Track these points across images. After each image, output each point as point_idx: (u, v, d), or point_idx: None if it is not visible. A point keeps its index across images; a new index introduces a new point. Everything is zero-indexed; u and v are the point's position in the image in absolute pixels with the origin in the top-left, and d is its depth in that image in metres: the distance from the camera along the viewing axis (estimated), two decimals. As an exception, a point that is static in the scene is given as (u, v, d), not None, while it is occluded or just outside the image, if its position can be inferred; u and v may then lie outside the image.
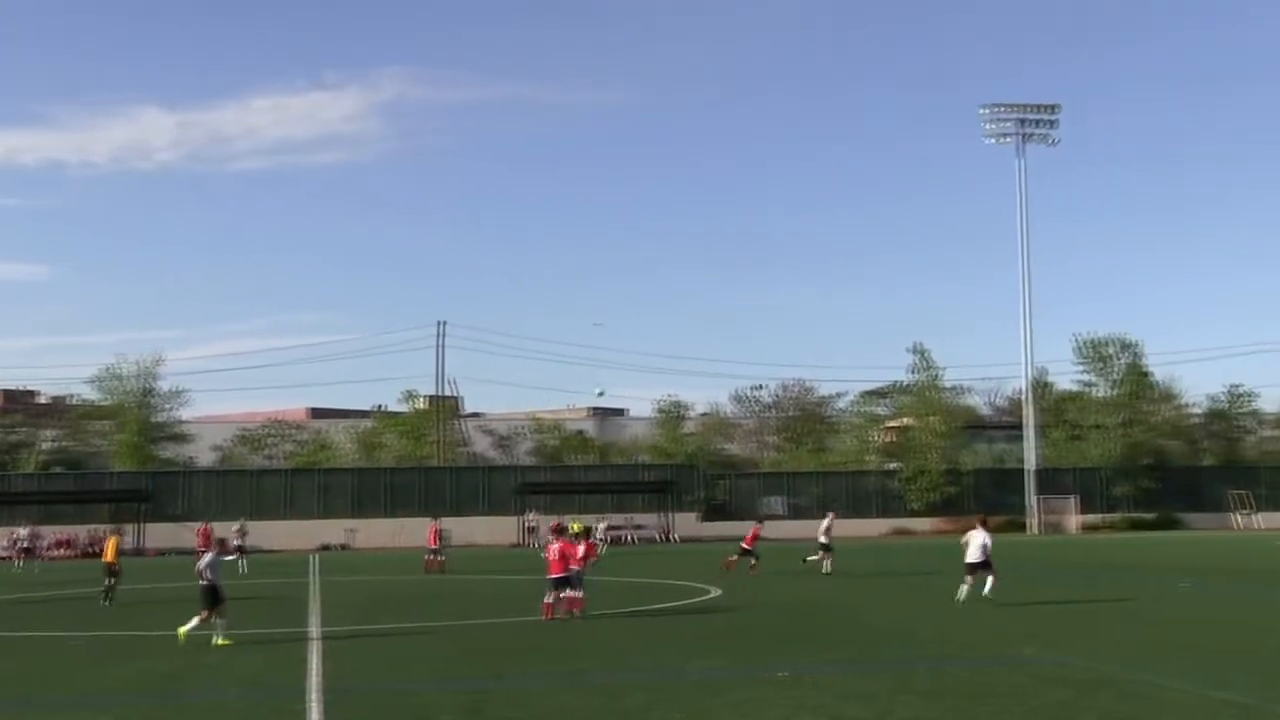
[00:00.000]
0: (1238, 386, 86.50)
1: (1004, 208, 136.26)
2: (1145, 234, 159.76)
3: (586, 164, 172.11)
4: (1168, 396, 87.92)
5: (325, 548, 62.84)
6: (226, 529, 45.78)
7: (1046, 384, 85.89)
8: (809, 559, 37.70)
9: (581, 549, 26.42)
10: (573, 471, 77.23)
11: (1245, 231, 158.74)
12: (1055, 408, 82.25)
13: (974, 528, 27.46)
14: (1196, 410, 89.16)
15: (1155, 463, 76.72)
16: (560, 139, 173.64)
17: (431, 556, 42.69)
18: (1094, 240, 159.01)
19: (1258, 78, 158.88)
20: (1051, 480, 74.99)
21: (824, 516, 40.44)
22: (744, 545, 37.74)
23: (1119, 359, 78.54)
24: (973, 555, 26.61)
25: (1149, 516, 73.15)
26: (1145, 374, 79.01)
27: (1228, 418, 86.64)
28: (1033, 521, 72.73)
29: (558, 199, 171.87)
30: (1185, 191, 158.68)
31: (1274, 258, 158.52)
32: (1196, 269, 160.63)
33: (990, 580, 26.37)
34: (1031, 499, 73.45)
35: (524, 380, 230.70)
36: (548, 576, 24.73)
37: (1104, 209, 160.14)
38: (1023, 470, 75.03)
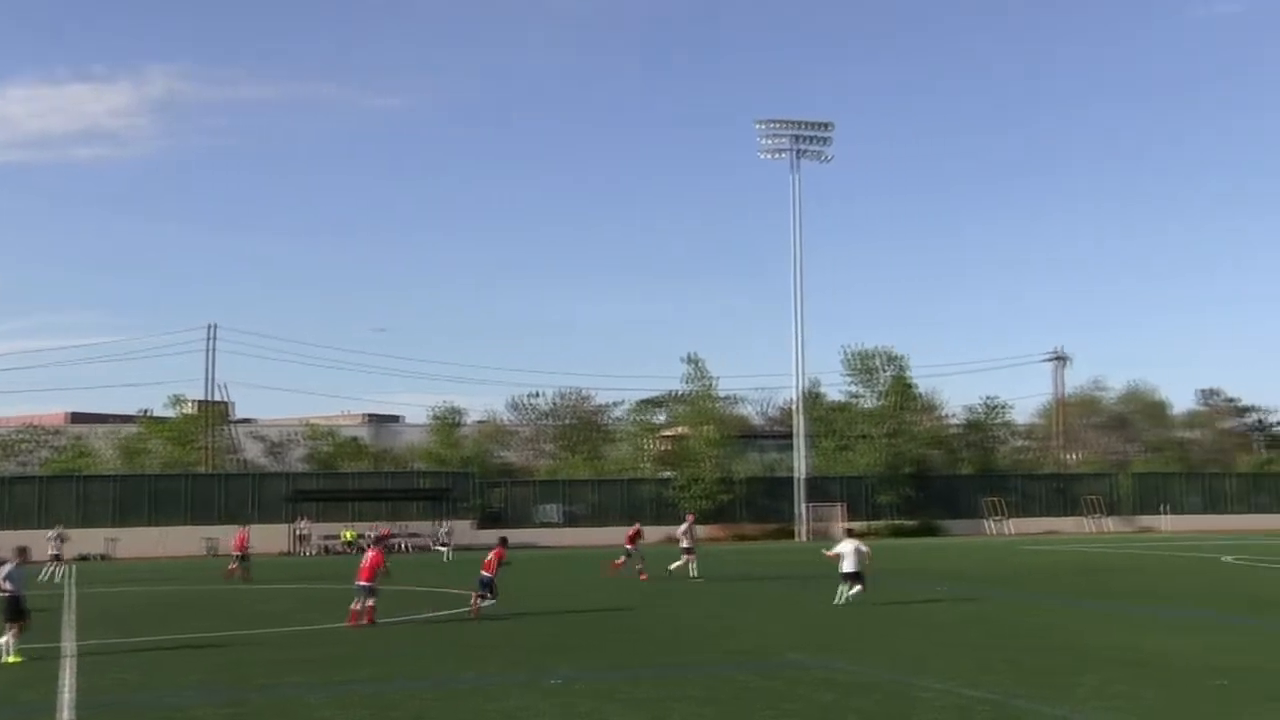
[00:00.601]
0: (993, 398, 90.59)
1: (779, 222, 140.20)
2: (911, 250, 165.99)
3: (366, 168, 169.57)
4: (930, 408, 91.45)
5: (84, 558, 60.09)
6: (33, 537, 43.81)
7: (817, 395, 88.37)
8: (672, 566, 38.33)
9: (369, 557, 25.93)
10: (346, 478, 75.85)
11: (1002, 250, 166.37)
12: (825, 418, 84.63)
13: (842, 539, 28.74)
14: (956, 421, 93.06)
15: (917, 471, 79.61)
16: (340, 142, 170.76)
17: (236, 564, 41.29)
18: (863, 255, 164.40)
19: (1021, 100, 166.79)
20: (820, 488, 77.09)
21: (682, 522, 41.26)
22: (626, 545, 38.62)
23: (885, 371, 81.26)
24: (848, 566, 27.65)
25: (911, 523, 75.85)
26: (909, 386, 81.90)
27: (984, 428, 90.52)
28: (801, 529, 74.62)
29: (337, 203, 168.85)
30: (948, 210, 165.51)
31: (1027, 275, 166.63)
32: (958, 285, 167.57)
33: (859, 588, 27.41)
34: (801, 507, 75.35)
35: (300, 386, 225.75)
36: (357, 583, 25.04)
37: (873, 226, 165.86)
38: (793, 479, 76.92)
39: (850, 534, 29.52)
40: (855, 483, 78.17)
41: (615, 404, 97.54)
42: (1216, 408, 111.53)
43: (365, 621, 24.58)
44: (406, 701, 15.34)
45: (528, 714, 14.38)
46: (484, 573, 26.79)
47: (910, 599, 29.78)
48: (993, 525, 77.93)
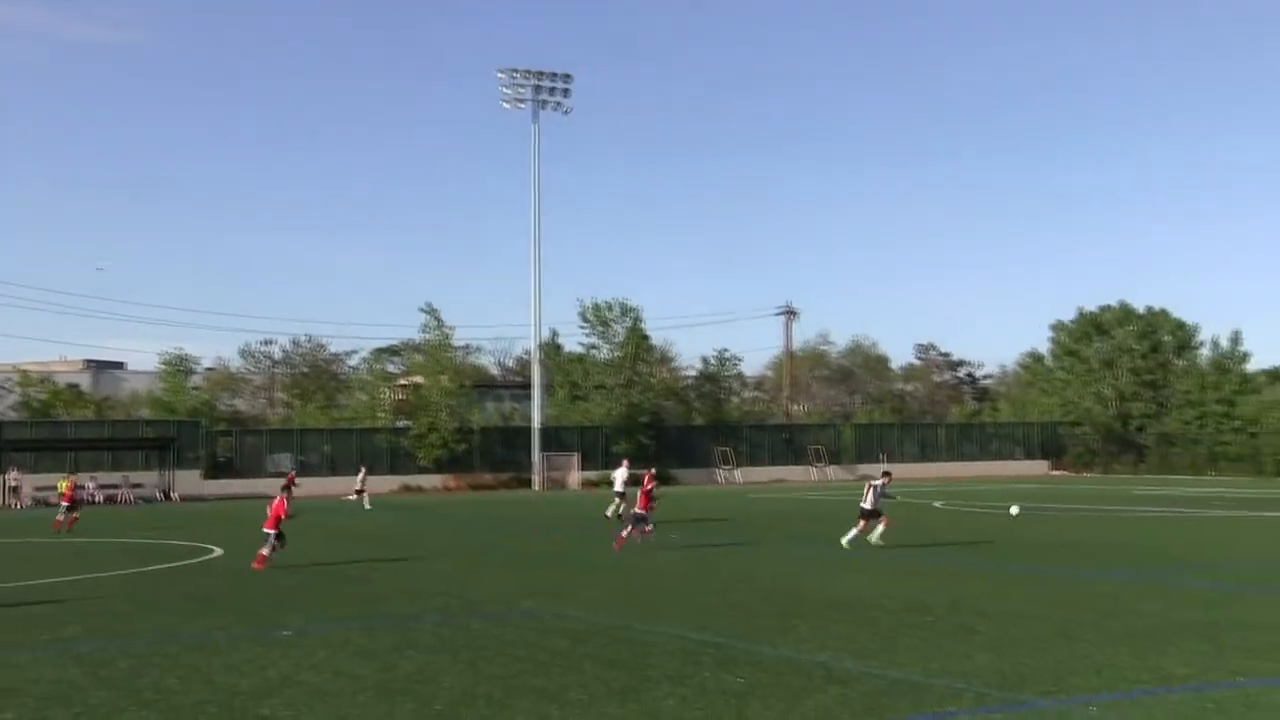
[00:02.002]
0: (725, 351, 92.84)
1: (519, 173, 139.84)
2: (647, 204, 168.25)
3: (91, 101, 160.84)
4: (664, 359, 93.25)
5: None
6: None
7: (555, 345, 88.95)
8: (611, 509, 39.55)
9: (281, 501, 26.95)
10: (63, 427, 72.29)
11: (736, 206, 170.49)
12: (562, 368, 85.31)
13: (877, 477, 29.64)
14: (689, 373, 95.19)
15: (652, 421, 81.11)
16: (65, 74, 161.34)
17: (66, 514, 38.83)
18: (601, 208, 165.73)
19: (755, 59, 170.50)
20: (556, 438, 77.74)
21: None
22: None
23: (621, 323, 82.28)
24: (868, 502, 28.52)
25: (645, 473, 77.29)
26: (645, 337, 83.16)
27: (716, 380, 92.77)
28: (537, 478, 75.15)
29: (54, 137, 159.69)
30: (683, 166, 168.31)
31: (759, 230, 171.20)
32: (693, 239, 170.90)
33: (881, 527, 28.30)
34: (537, 456, 75.84)
35: (9, 329, 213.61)
36: (264, 529, 26.29)
37: (611, 179, 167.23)
38: (529, 428, 77.30)
39: (885, 474, 30.40)
40: (591, 433, 79.13)
41: (351, 353, 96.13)
42: (932, 362, 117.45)
43: (255, 565, 25.38)
44: (119, 659, 14.82)
45: (253, 666, 14.12)
46: (638, 509, 29.09)
47: (642, 548, 30.38)
48: (723, 474, 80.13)
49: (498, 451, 76.48)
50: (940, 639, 15.51)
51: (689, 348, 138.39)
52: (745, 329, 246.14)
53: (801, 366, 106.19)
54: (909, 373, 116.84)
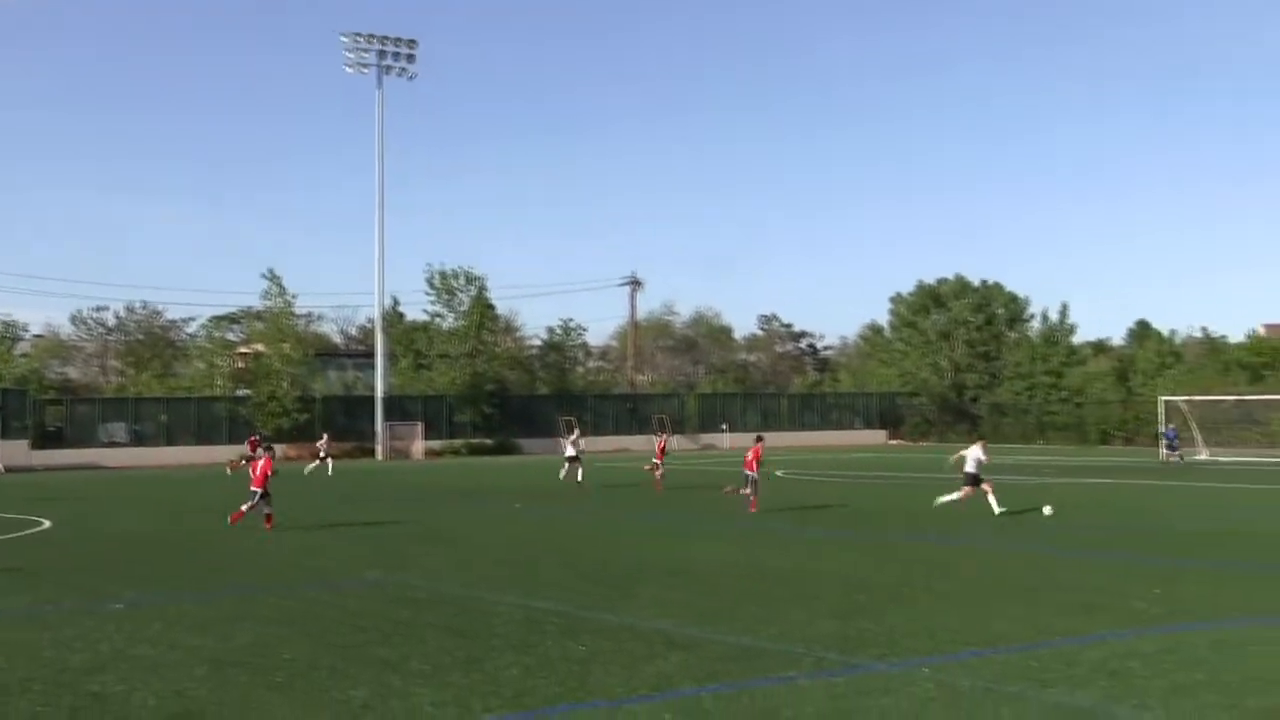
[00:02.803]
0: (570, 321, 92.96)
1: (363, 137, 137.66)
2: (493, 173, 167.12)
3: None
4: (509, 329, 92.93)
5: None
6: None
7: (398, 314, 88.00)
8: (563, 473, 41.40)
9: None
10: (-122, 396, 69.28)
11: (581, 175, 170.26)
12: (406, 337, 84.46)
13: (972, 444, 30.66)
14: (534, 342, 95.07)
15: (496, 391, 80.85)
16: None
17: None
18: (447, 176, 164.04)
19: (607, 27, 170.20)
20: (399, 407, 77.02)
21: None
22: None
23: (466, 291, 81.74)
24: (969, 467, 29.41)
25: (489, 442, 77.12)
26: (490, 306, 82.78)
27: (561, 349, 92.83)
28: (380, 447, 74.39)
29: None
30: (528, 135, 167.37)
31: (606, 199, 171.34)
32: (540, 209, 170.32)
33: (991, 496, 28.61)
34: (380, 425, 75.05)
35: None
36: (251, 489, 27.21)
37: (457, 147, 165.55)
38: (372, 397, 76.43)
39: (979, 440, 31.58)
40: (435, 402, 78.58)
41: (188, 320, 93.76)
42: (774, 333, 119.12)
43: (266, 526, 26.52)
44: (-52, 634, 14.31)
45: (84, 641, 13.74)
46: (746, 470, 30.32)
47: (488, 517, 30.36)
48: (567, 444, 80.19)
49: (340, 421, 75.46)
50: (781, 605, 15.80)
51: (534, 317, 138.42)
52: (590, 299, 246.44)
53: (646, 336, 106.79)
54: (752, 343, 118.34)
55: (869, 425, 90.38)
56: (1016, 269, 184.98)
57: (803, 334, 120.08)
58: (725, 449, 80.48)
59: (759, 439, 32.81)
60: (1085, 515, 29.11)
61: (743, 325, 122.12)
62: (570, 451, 42.52)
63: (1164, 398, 61.40)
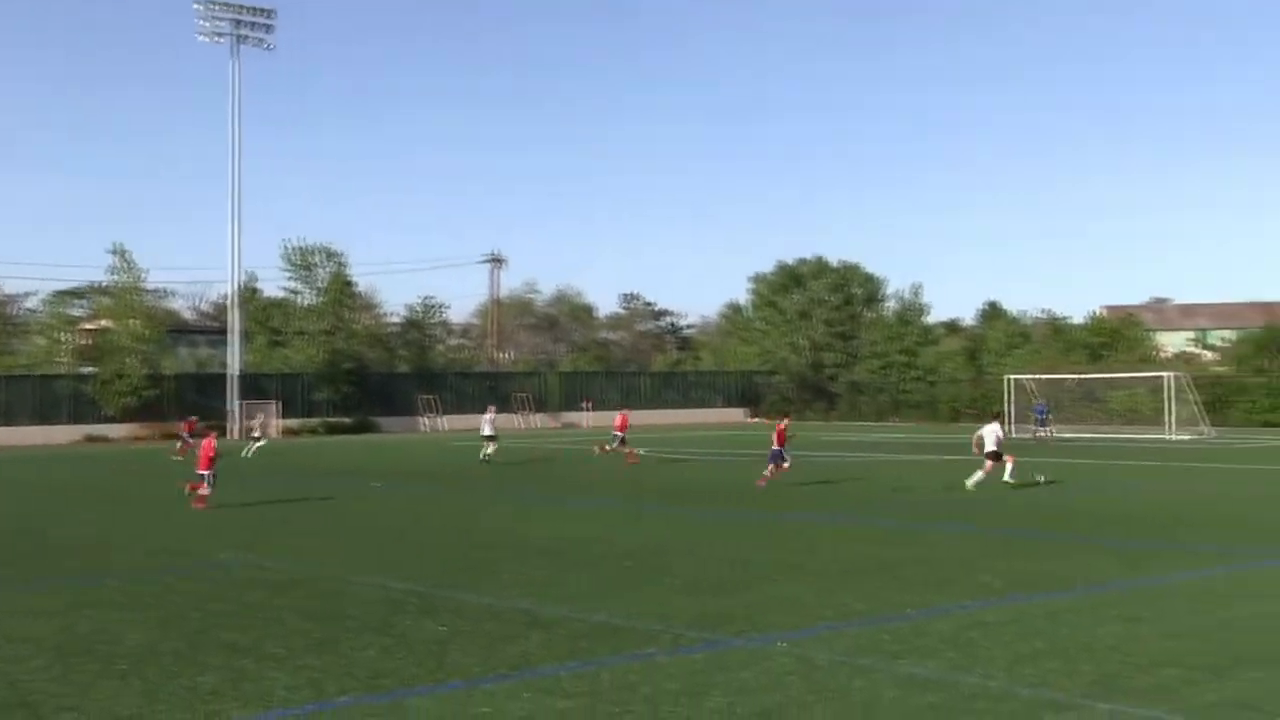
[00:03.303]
0: (430, 298, 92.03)
1: (219, 109, 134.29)
2: (353, 147, 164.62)
3: None
4: (368, 306, 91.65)
5: None
6: None
7: (254, 289, 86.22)
8: (485, 452, 42.53)
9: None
10: None
11: (443, 152, 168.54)
12: (262, 314, 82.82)
13: (988, 422, 31.79)
14: (394, 320, 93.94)
15: (355, 369, 79.76)
16: None
17: None
18: (305, 150, 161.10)
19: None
20: (255, 385, 75.50)
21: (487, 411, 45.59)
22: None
23: (324, 268, 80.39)
24: (990, 445, 30.18)
25: (348, 421, 76.08)
26: (349, 283, 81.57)
27: (421, 327, 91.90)
28: (233, 426, 72.92)
29: None
30: (390, 110, 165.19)
31: (467, 177, 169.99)
32: (400, 185, 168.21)
33: (1009, 466, 29.89)
34: (234, 403, 73.53)
35: None
36: (199, 471, 27.45)
37: (316, 120, 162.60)
38: (226, 375, 74.83)
39: (996, 417, 33.47)
40: (292, 380, 77.23)
41: (28, 294, 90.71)
42: (636, 311, 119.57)
43: (198, 505, 26.48)
44: None
45: (-77, 630, 13.25)
46: (776, 446, 31.14)
47: (346, 497, 30.00)
48: (428, 422, 79.63)
49: (192, 399, 73.65)
50: (641, 583, 15.90)
51: (395, 294, 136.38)
52: (452, 276, 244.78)
53: (507, 314, 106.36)
54: (614, 321, 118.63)
55: (729, 403, 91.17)
56: (874, 250, 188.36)
57: (664, 313, 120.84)
58: (586, 427, 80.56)
59: (785, 415, 36.85)
60: (939, 492, 29.78)
61: (605, 304, 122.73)
62: (487, 430, 43.79)
63: (1011, 376, 63.06)
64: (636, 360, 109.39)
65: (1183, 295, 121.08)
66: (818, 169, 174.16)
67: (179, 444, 48.12)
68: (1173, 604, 13.89)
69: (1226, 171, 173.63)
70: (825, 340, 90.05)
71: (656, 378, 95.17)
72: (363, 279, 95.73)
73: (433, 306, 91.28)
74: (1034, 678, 10.46)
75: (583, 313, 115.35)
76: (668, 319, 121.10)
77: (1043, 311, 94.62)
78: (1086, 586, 15.14)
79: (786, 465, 31.65)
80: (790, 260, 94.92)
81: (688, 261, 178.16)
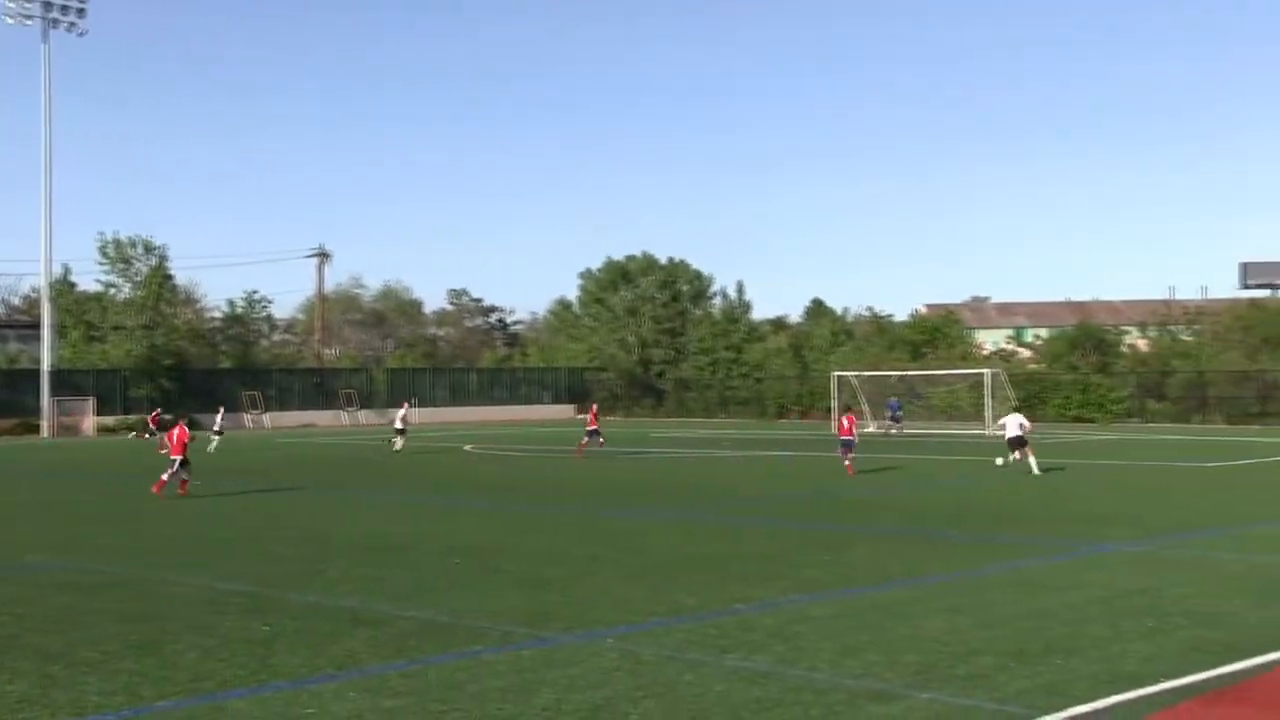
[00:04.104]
0: (254, 293, 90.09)
1: (29, 95, 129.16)
2: (174, 139, 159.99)
3: None
4: (189, 300, 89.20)
5: None
6: None
7: (69, 283, 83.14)
8: (395, 446, 44.62)
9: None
10: None
11: (267, 143, 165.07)
12: (77, 308, 79.90)
13: (1009, 412, 35.01)
14: (216, 314, 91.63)
15: (176, 364, 77.58)
16: None
17: None
18: (123, 139, 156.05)
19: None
20: (69, 381, 72.90)
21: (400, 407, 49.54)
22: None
23: (143, 261, 77.98)
24: (1012, 432, 32.53)
25: (167, 417, 73.68)
26: (169, 277, 79.31)
27: (245, 322, 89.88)
28: (46, 424, 70.28)
29: None
30: (213, 99, 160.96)
31: (293, 169, 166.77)
32: (224, 177, 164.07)
33: (1031, 456, 31.74)
34: (46, 401, 70.88)
35: None
36: (171, 457, 28.21)
37: (135, 109, 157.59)
38: (38, 371, 72.07)
39: (1016, 409, 36.33)
40: (108, 376, 74.75)
41: None
42: (464, 307, 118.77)
43: (180, 492, 27.69)
44: None
45: None
46: (844, 435, 33.30)
47: (166, 495, 29.18)
48: (251, 419, 77.94)
49: (1, 395, 70.79)
50: (469, 580, 15.81)
51: (217, 289, 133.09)
52: (276, 271, 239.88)
53: (333, 310, 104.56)
54: (442, 317, 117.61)
55: (557, 400, 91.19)
56: (702, 248, 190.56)
57: (492, 309, 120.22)
58: (414, 424, 79.72)
59: (849, 408, 40.99)
60: (764, 488, 30.26)
61: (432, 300, 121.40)
62: (399, 424, 46.49)
63: (836, 373, 64.38)
64: (464, 357, 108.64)
65: (1001, 294, 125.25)
66: (645, 165, 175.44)
67: (144, 434, 47.83)
68: (989, 595, 14.34)
69: (1042, 174, 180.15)
70: (653, 337, 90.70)
71: (485, 374, 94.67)
72: (184, 273, 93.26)
73: (256, 301, 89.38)
74: (858, 669, 10.70)
75: (410, 309, 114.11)
76: (496, 315, 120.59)
77: (866, 309, 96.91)
78: (909, 579, 15.55)
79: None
80: (619, 257, 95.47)
81: (517, 258, 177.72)
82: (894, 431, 55.51)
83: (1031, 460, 31.79)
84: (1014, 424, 33.22)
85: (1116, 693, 9.78)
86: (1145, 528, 20.61)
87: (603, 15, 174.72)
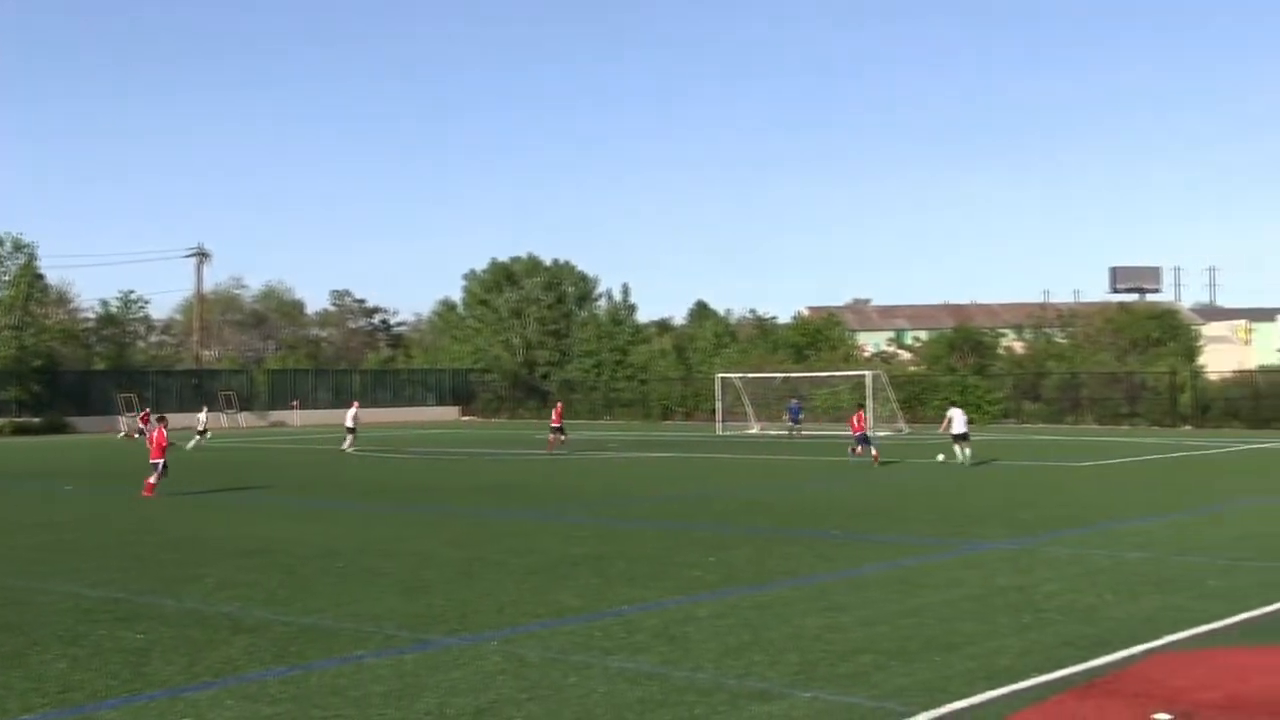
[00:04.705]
0: (131, 292, 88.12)
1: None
2: (45, 133, 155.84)
3: None
4: (61, 300, 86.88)
5: None
6: None
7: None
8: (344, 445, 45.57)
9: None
10: None
11: (144, 139, 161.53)
12: (-60, 308, 77.46)
13: (952, 406, 37.51)
14: (90, 315, 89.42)
15: (46, 366, 75.54)
16: None
17: None
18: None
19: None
20: (-68, 384, 70.60)
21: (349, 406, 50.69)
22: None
23: (12, 259, 75.79)
24: (958, 427, 34.90)
25: (37, 421, 71.97)
26: (39, 276, 77.20)
27: (120, 323, 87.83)
28: (-90, 428, 67.96)
29: None
30: (84, 93, 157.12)
31: (171, 167, 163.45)
32: (101, 174, 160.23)
33: (967, 449, 34.74)
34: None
35: None
36: (152, 460, 28.86)
37: (6, 103, 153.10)
38: (-105, 373, 69.71)
39: (954, 404, 39.39)
40: (-26, 378, 72.54)
41: None
42: (347, 308, 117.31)
43: (145, 493, 28.11)
44: None
45: None
46: (859, 430, 37.01)
47: (33, 500, 28.40)
48: (126, 422, 76.13)
49: None
50: (350, 583, 15.63)
51: (92, 289, 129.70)
52: (154, 270, 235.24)
53: (213, 310, 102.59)
54: (324, 318, 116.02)
55: (442, 402, 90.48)
56: (586, 249, 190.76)
57: (376, 310, 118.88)
58: (296, 425, 78.63)
59: (860, 406, 42.71)
60: (649, 489, 30.37)
61: (315, 300, 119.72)
62: (349, 424, 47.16)
63: (720, 375, 64.80)
64: (348, 358, 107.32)
65: (882, 298, 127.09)
66: (530, 165, 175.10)
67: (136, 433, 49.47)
68: (869, 594, 14.54)
69: (921, 180, 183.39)
70: (538, 338, 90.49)
71: (368, 376, 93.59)
72: (55, 272, 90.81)
73: (133, 302, 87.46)
74: (741, 669, 10.78)
75: (292, 309, 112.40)
76: (380, 316, 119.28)
77: (750, 311, 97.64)
78: (791, 579, 15.71)
79: (874, 452, 36.50)
80: (504, 258, 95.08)
81: (401, 259, 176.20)
82: (795, 431, 55.86)
83: (969, 452, 35.07)
84: (960, 419, 35.52)
85: (992, 688, 9.98)
86: (1020, 526, 21.07)
87: (480, 17, 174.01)
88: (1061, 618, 12.92)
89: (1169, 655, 11.21)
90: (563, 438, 45.91)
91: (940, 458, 36.09)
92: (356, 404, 51.53)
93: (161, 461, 28.83)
